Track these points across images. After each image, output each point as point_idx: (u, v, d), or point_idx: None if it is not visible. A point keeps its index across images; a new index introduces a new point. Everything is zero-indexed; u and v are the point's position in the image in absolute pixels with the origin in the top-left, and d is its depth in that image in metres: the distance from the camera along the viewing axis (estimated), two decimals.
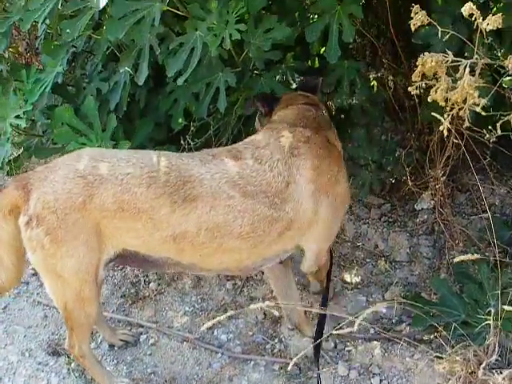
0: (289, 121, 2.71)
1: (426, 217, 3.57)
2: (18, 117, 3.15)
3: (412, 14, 2.26)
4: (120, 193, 2.37)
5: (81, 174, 2.39)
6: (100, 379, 2.87)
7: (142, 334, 3.22)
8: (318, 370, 2.74)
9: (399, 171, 3.52)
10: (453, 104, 2.31)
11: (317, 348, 2.75)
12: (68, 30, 3.07)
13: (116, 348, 3.15)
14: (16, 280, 2.71)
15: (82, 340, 2.72)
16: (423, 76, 2.31)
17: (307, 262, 2.77)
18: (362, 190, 3.59)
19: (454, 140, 2.79)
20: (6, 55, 3.70)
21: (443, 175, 3.23)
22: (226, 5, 2.86)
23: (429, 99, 2.32)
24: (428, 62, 2.28)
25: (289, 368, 2.21)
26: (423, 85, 2.36)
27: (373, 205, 3.75)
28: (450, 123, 2.28)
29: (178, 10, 2.99)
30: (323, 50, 3.57)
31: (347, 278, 3.40)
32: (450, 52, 2.28)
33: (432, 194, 3.39)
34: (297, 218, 2.52)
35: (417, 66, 2.29)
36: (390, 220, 3.66)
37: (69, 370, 3.05)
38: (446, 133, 2.30)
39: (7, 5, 3.53)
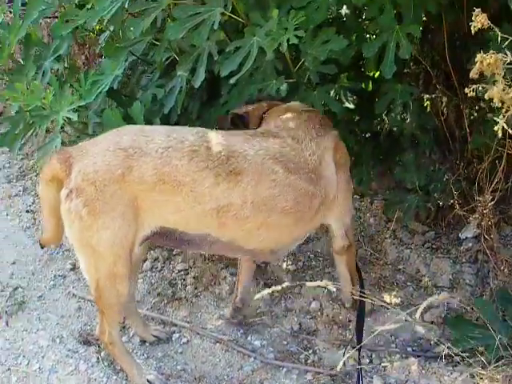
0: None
1: (470, 245, 3.51)
2: (71, 111, 3.22)
3: (473, 18, 2.30)
4: (160, 165, 2.39)
5: (121, 146, 2.43)
6: (128, 369, 2.83)
7: (174, 332, 3.19)
8: (359, 364, 2.71)
9: (446, 198, 3.49)
10: (508, 106, 2.31)
11: (359, 337, 2.77)
12: (132, 28, 3.19)
13: (147, 343, 3.12)
14: (56, 239, 2.78)
15: (113, 324, 2.70)
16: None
17: (338, 238, 2.87)
18: (407, 214, 3.56)
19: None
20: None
21: (491, 201, 3.20)
22: (286, 14, 2.95)
23: (486, 96, 2.32)
24: (487, 59, 2.29)
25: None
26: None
27: (416, 231, 3.71)
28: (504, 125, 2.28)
29: (239, 17, 3.10)
30: (377, 73, 3.65)
31: (387, 298, 3.33)
32: (509, 53, 2.29)
33: (478, 221, 3.34)
34: (327, 194, 2.65)
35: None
36: (434, 247, 3.61)
37: (98, 358, 3.02)
38: (500, 133, 2.29)
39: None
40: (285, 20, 2.90)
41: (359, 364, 2.69)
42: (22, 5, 3.98)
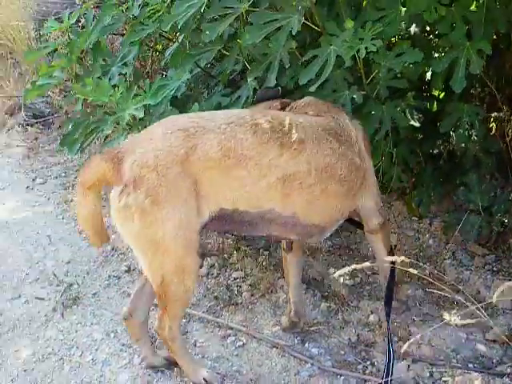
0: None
1: None
2: (137, 108, 3.28)
3: None
4: (225, 140, 2.37)
5: (180, 127, 2.39)
6: (185, 365, 2.76)
7: (230, 335, 3.13)
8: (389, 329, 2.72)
9: (509, 220, 3.45)
10: None
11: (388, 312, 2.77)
12: (207, 32, 3.24)
13: (203, 343, 3.09)
14: (105, 240, 2.65)
15: (175, 320, 2.61)
16: None
17: (373, 216, 2.81)
18: (468, 235, 3.52)
19: None
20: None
21: None
22: (363, 25, 2.99)
23: None
24: None
25: None
26: None
27: (476, 254, 3.64)
28: None
29: (315, 25, 3.15)
30: (442, 94, 3.66)
31: (446, 316, 3.24)
32: None
33: None
34: (366, 169, 2.74)
35: None
36: (494, 269, 3.53)
37: None
38: None
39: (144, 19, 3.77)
40: (361, 31, 2.94)
41: (389, 333, 2.71)
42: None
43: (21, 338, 3.20)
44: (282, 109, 2.86)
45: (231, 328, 3.17)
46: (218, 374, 2.86)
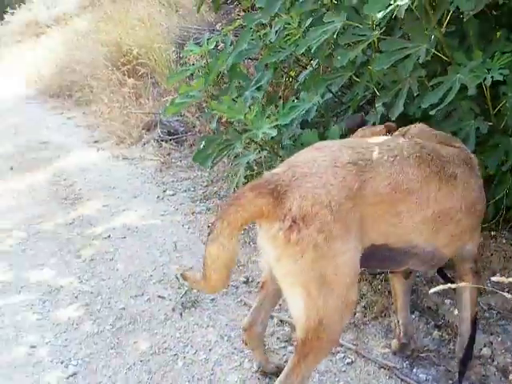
0: None
1: None
2: (271, 128, 3.43)
3: None
4: (395, 174, 2.33)
5: (349, 160, 2.30)
6: None
7: (339, 352, 3.17)
8: None
9: None
10: None
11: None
12: (339, 57, 3.36)
13: None
14: (223, 286, 2.49)
15: (311, 369, 2.51)
16: None
17: (470, 260, 2.76)
18: None
19: None
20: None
21: None
22: (492, 56, 3.00)
23: None
24: None
25: None
26: None
27: None
28: None
29: (443, 55, 3.19)
30: None
31: None
32: None
33: None
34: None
35: None
36: None
37: None
38: None
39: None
40: (489, 61, 2.95)
41: None
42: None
43: (140, 332, 3.42)
44: (388, 132, 2.86)
45: (341, 345, 3.21)
46: None
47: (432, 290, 2.02)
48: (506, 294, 2.09)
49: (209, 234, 2.30)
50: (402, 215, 2.37)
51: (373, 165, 2.32)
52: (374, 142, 2.52)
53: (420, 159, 2.41)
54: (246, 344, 2.94)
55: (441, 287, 2.02)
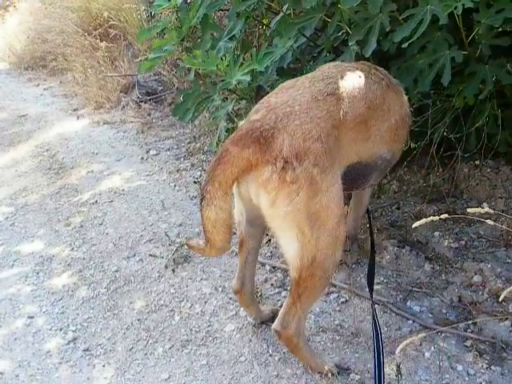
0: None
1: None
2: (244, 74, 3.39)
3: None
4: (368, 93, 2.54)
5: (327, 91, 2.38)
6: (308, 360, 2.69)
7: (333, 292, 3.21)
8: (372, 299, 2.75)
9: None
10: None
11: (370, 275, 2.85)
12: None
13: None
14: (227, 248, 2.45)
15: (307, 309, 2.58)
16: None
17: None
18: None
19: None
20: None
21: None
22: None
23: None
24: None
25: None
26: None
27: None
28: None
29: None
30: None
31: None
32: None
33: None
34: None
35: None
36: None
37: None
38: None
39: None
40: None
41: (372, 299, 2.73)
42: None
43: (135, 291, 3.45)
44: None
45: (334, 285, 3.25)
46: (319, 327, 2.97)
47: (416, 224, 2.06)
48: (488, 221, 2.11)
49: (202, 200, 2.28)
50: (371, 129, 2.52)
51: (349, 91, 2.43)
52: (335, 72, 2.57)
53: (378, 77, 2.65)
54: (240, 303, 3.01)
55: (423, 221, 2.05)
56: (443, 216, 2.03)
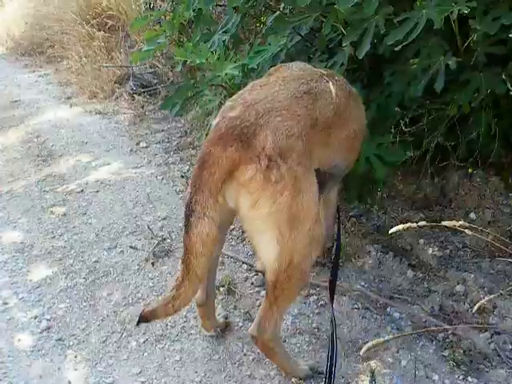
0: None
1: None
2: (233, 68, 3.36)
3: None
4: (335, 98, 2.46)
5: (303, 90, 2.33)
6: (285, 365, 2.64)
7: (312, 295, 3.17)
8: (332, 304, 2.70)
9: None
10: None
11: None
12: None
13: None
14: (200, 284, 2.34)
15: (284, 311, 2.54)
16: None
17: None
18: None
19: None
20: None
21: None
22: None
23: None
24: None
25: None
26: None
27: None
28: None
29: None
30: None
31: None
32: None
33: None
34: None
35: None
36: None
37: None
38: None
39: None
40: None
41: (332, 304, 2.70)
42: None
43: (113, 283, 3.41)
44: None
45: (315, 287, 3.21)
46: (296, 329, 2.95)
47: (392, 230, 2.02)
48: (467, 230, 2.07)
49: (190, 216, 2.10)
50: (332, 136, 2.45)
51: (320, 93, 2.39)
52: (304, 74, 2.54)
53: (342, 84, 2.61)
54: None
55: (400, 226, 2.02)
56: (421, 223, 1.98)
